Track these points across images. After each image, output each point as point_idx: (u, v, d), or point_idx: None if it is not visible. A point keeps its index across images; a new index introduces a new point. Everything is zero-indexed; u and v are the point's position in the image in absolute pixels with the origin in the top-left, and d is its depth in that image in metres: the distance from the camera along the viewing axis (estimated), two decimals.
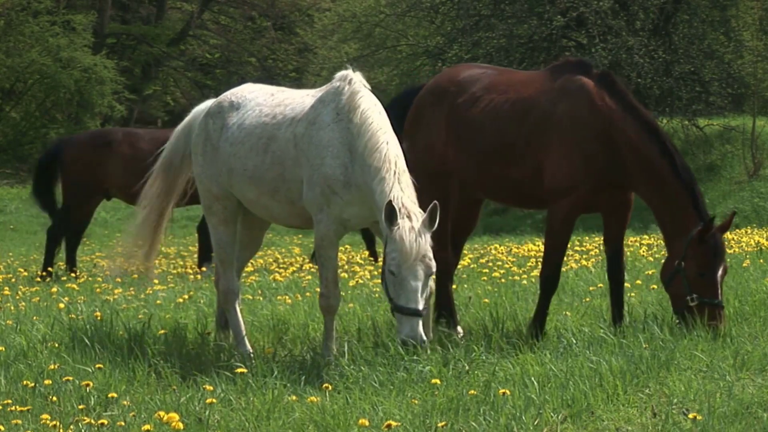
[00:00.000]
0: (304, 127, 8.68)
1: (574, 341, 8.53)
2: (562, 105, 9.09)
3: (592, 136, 8.98)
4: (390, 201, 7.99)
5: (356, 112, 8.47)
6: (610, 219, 9.36)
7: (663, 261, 9.27)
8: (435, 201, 8.11)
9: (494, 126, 9.33)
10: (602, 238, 9.85)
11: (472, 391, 7.17)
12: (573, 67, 9.31)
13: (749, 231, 19.72)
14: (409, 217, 8.02)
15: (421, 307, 7.94)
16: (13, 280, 16.20)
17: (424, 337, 7.94)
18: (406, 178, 8.27)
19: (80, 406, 7.28)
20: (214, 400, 7.19)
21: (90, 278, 15.95)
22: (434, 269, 8.06)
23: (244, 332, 9.19)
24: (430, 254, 8.02)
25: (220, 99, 9.41)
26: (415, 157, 9.19)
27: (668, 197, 8.93)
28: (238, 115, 9.14)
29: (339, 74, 8.81)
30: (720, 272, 8.85)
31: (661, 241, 17.58)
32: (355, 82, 8.66)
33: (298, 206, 8.70)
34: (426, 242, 7.99)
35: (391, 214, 7.96)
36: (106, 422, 6.78)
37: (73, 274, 16.55)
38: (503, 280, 12.63)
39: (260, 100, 9.18)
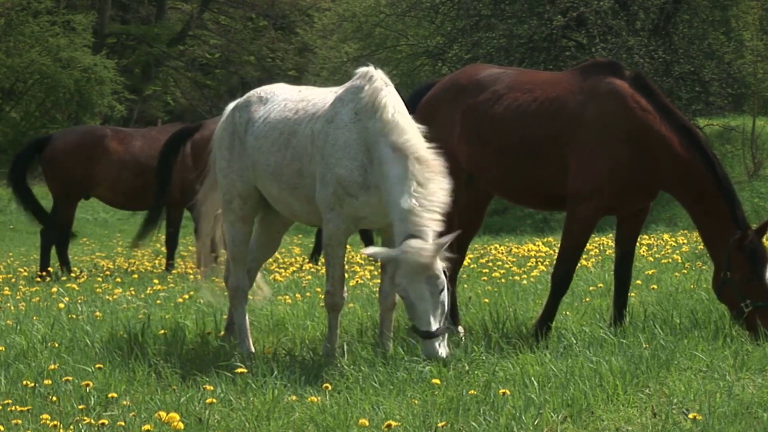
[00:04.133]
0: (321, 124, 8.58)
1: (574, 341, 8.52)
2: (592, 106, 8.94)
3: (624, 139, 8.83)
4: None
5: (377, 114, 8.32)
6: (626, 221, 9.29)
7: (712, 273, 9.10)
8: (459, 230, 8.04)
9: (519, 124, 9.19)
10: (613, 238, 9.78)
11: (472, 391, 7.17)
12: (603, 69, 9.15)
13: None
14: (420, 236, 7.91)
15: (434, 327, 7.86)
16: (13, 280, 16.21)
17: (444, 355, 7.87)
18: (424, 190, 8.10)
19: (80, 406, 7.28)
20: (214, 400, 7.19)
21: (90, 278, 15.97)
22: (444, 286, 7.96)
23: (248, 331, 9.19)
24: (439, 272, 7.91)
25: (250, 93, 9.38)
26: None
27: (707, 205, 8.83)
28: (265, 109, 9.09)
29: (360, 71, 8.63)
30: None
31: (661, 241, 17.66)
32: (376, 80, 8.48)
33: (315, 205, 8.64)
34: (435, 262, 7.87)
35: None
36: (106, 422, 6.78)
37: (72, 274, 16.57)
38: (503, 280, 12.63)
39: (287, 95, 9.12)
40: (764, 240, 9.07)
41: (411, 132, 8.26)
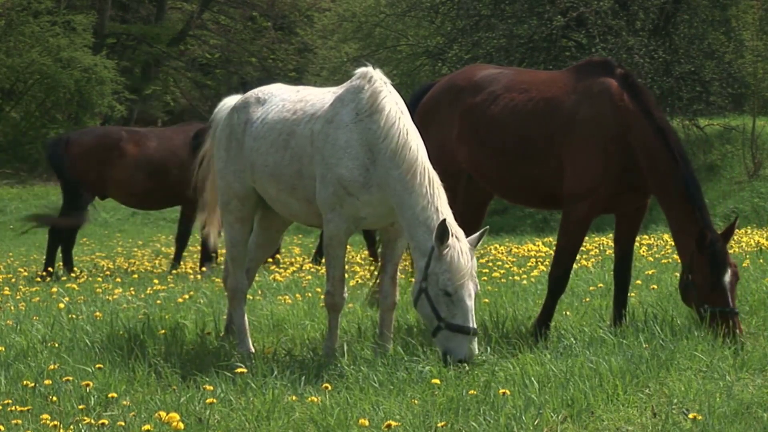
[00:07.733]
0: (321, 124, 8.59)
1: (574, 341, 8.53)
2: (586, 106, 9.00)
3: (613, 138, 8.88)
4: (444, 220, 7.93)
5: (381, 114, 8.33)
6: (624, 220, 9.32)
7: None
8: (487, 227, 8.10)
9: (516, 124, 9.24)
10: (612, 238, 9.79)
11: (472, 391, 7.17)
12: (597, 68, 9.20)
13: (749, 231, 19.71)
14: (457, 236, 7.98)
15: (474, 325, 7.99)
16: (13, 280, 16.20)
17: (476, 353, 8.00)
18: (443, 191, 8.18)
19: (80, 406, 7.28)
20: (214, 400, 7.19)
21: (90, 278, 15.96)
22: (479, 288, 8.16)
23: (247, 332, 9.20)
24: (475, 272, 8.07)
25: (247, 94, 9.39)
26: None
27: (674, 207, 8.86)
28: (263, 110, 9.10)
29: (359, 71, 8.64)
30: (727, 279, 8.70)
31: (661, 241, 17.66)
32: (376, 80, 8.49)
33: (314, 205, 8.65)
34: (475, 262, 8.03)
35: (443, 234, 7.92)
36: (106, 422, 6.79)
37: (73, 274, 16.57)
38: (503, 280, 12.63)
39: (285, 95, 9.13)
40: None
41: (408, 137, 8.27)
